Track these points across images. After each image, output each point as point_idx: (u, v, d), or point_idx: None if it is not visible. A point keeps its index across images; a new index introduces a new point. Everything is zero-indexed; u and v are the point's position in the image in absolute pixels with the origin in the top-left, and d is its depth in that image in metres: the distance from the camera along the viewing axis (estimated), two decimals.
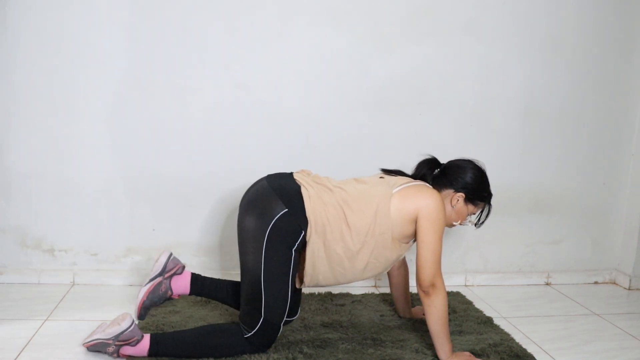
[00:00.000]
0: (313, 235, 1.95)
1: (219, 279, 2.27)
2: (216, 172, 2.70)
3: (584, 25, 2.89)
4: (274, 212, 1.93)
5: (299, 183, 2.02)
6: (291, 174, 2.10)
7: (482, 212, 2.18)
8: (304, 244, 1.97)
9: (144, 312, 2.14)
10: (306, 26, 2.67)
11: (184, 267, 2.22)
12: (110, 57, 2.57)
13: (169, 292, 2.17)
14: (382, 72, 2.75)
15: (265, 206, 1.94)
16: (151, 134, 2.64)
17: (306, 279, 2.03)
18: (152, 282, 2.15)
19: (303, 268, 2.05)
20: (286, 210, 1.93)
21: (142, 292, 2.14)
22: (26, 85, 2.55)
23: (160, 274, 2.16)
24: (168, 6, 2.57)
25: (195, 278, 2.22)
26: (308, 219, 1.94)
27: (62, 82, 2.56)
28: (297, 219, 1.94)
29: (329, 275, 2.03)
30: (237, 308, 2.23)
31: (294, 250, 1.96)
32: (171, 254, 2.20)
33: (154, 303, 2.15)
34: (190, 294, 2.21)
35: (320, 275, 2.02)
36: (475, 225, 2.21)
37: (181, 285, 2.19)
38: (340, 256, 1.99)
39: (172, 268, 2.18)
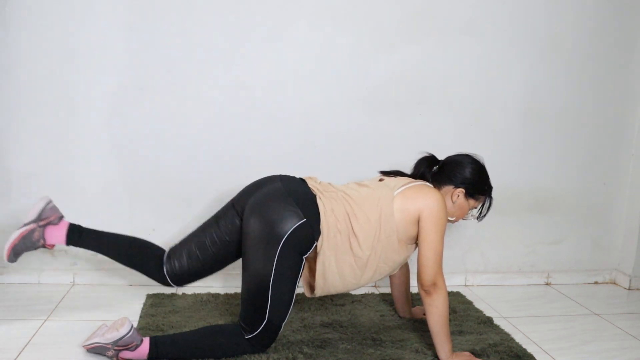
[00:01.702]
0: (325, 247, 1.96)
1: (109, 233, 2.15)
2: (216, 172, 2.70)
3: (584, 25, 2.89)
4: (293, 220, 1.92)
5: (314, 192, 2.02)
6: (303, 180, 2.10)
7: (483, 205, 2.19)
8: (314, 251, 1.98)
9: (14, 256, 2.03)
10: (306, 26, 2.67)
11: (61, 217, 2.10)
12: (110, 57, 2.57)
13: (42, 241, 2.06)
14: (382, 72, 2.75)
15: (284, 213, 1.93)
16: (151, 134, 2.64)
17: (317, 292, 2.04)
18: (25, 228, 2.04)
19: (313, 278, 2.05)
20: (305, 220, 1.93)
21: (14, 236, 2.03)
22: (26, 85, 2.55)
23: (35, 221, 2.05)
24: (168, 6, 2.57)
25: (73, 229, 2.09)
26: (322, 230, 1.95)
27: (62, 82, 2.56)
28: (312, 229, 1.94)
29: (339, 286, 2.04)
30: (123, 263, 2.16)
31: (304, 257, 1.97)
32: (50, 201, 2.09)
33: (27, 248, 2.04)
34: (68, 244, 2.08)
35: (331, 288, 2.04)
36: (477, 218, 2.21)
37: (56, 235, 2.07)
38: (352, 266, 2.00)
39: (48, 217, 2.07)
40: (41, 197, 2.12)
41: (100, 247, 2.12)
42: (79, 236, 2.09)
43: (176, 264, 2.10)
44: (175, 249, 2.13)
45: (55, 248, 2.66)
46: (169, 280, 2.11)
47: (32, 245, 2.05)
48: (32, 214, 2.06)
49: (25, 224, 2.06)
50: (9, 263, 2.07)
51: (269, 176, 2.12)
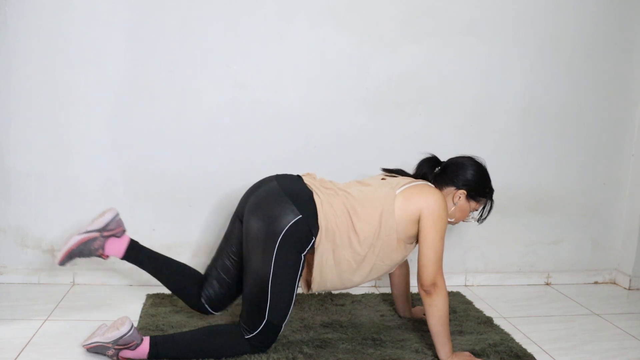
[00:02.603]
0: (323, 242, 1.96)
1: (160, 255, 2.19)
2: (216, 172, 2.70)
3: (584, 25, 2.89)
4: (288, 217, 1.92)
5: (310, 188, 2.02)
6: (300, 177, 2.10)
7: (484, 208, 2.19)
8: (312, 249, 1.98)
9: (67, 259, 2.04)
10: (306, 26, 2.67)
11: (124, 231, 2.13)
12: (111, 57, 2.57)
13: (100, 251, 2.08)
14: (382, 72, 2.75)
15: (279, 210, 1.93)
16: (151, 134, 2.64)
17: (314, 286, 2.04)
18: (87, 234, 2.06)
19: (310, 274, 2.05)
20: (300, 216, 1.93)
21: (74, 240, 2.04)
22: (26, 85, 2.55)
23: (99, 230, 2.08)
24: (168, 6, 2.57)
25: (133, 245, 2.13)
26: (319, 225, 1.95)
27: (62, 82, 2.56)
28: (309, 225, 1.94)
29: (336, 281, 2.04)
30: (169, 287, 2.19)
31: (303, 255, 1.97)
32: (118, 214, 2.12)
33: (82, 255, 2.05)
34: (123, 259, 2.12)
35: (328, 282, 2.04)
36: (478, 221, 2.21)
37: (115, 248, 2.10)
38: (349, 262, 2.00)
39: (113, 228, 2.10)
40: (109, 207, 2.14)
41: (152, 269, 2.17)
42: (136, 254, 2.13)
43: (211, 292, 2.15)
44: (206, 279, 2.17)
45: (54, 248, 2.67)
46: (208, 308, 2.16)
47: (88, 252, 2.07)
48: (98, 224, 2.08)
49: (88, 231, 2.07)
50: (59, 266, 2.08)
51: (265, 177, 2.13)
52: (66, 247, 2.04)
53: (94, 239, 2.07)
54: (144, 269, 2.17)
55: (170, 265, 2.19)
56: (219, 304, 2.17)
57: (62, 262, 2.05)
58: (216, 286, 2.15)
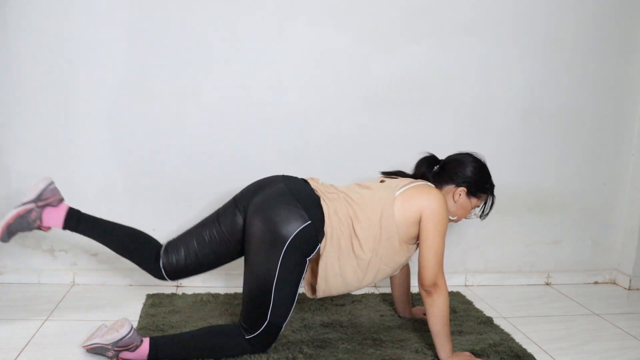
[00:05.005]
0: (328, 249, 1.96)
1: (106, 220, 2.10)
2: (216, 172, 2.70)
3: (584, 25, 2.89)
4: (298, 222, 1.91)
5: (317, 194, 2.02)
6: (306, 181, 2.09)
7: (485, 204, 2.19)
8: (317, 254, 1.98)
9: (7, 236, 1.98)
10: (306, 26, 2.67)
11: (61, 200, 2.05)
12: (110, 57, 2.57)
13: (38, 222, 2.00)
14: (382, 72, 2.75)
15: (287, 214, 1.92)
16: (151, 134, 2.64)
17: (319, 293, 2.05)
18: (23, 207, 1.99)
19: (314, 278, 2.05)
20: (309, 222, 1.92)
21: (10, 215, 1.98)
22: (26, 85, 2.55)
23: (34, 200, 2.00)
24: (168, 6, 2.57)
25: (72, 213, 2.04)
26: (325, 232, 1.95)
27: (62, 82, 2.56)
28: (316, 231, 1.93)
29: (341, 287, 2.04)
30: (119, 251, 2.11)
31: (308, 259, 1.97)
32: (52, 183, 2.04)
33: (22, 229, 1.99)
34: (64, 228, 2.04)
35: (333, 289, 2.04)
36: (480, 217, 2.21)
37: (54, 217, 2.02)
38: (354, 268, 2.00)
39: (48, 197, 2.02)
40: (43, 177, 2.06)
41: (96, 235, 2.08)
42: (76, 221, 2.04)
43: (173, 258, 2.07)
44: (174, 243, 2.10)
45: (54, 248, 2.67)
46: (164, 274, 2.07)
47: (27, 225, 1.99)
48: (32, 194, 2.00)
49: (23, 203, 2.00)
50: (2, 242, 2.01)
51: (272, 176, 2.12)
52: (3, 222, 1.97)
53: (30, 211, 1.99)
54: (88, 237, 2.08)
55: (118, 231, 2.10)
56: (177, 274, 2.08)
57: (2, 239, 1.99)
58: (183, 255, 2.06)
